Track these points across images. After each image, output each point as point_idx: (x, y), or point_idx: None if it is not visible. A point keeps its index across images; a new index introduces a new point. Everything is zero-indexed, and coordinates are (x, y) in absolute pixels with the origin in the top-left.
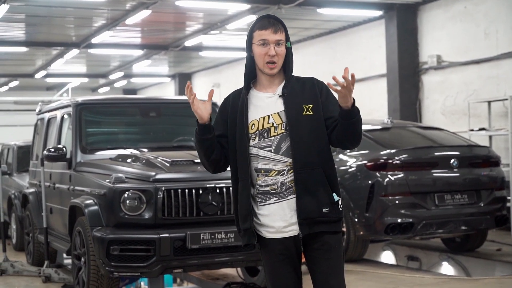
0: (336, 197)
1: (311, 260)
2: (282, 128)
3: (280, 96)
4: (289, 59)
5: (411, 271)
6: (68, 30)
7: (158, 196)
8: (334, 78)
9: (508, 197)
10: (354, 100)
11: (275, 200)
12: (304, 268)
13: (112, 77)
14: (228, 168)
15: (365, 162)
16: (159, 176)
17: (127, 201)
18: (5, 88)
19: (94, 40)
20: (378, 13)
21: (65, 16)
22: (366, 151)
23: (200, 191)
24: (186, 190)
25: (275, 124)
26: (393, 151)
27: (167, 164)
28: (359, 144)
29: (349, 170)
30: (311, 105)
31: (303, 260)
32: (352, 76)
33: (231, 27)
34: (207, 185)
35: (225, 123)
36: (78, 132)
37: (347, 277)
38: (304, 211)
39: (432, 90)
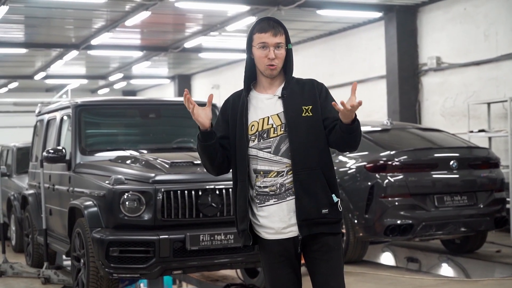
0: (335, 198)
1: (311, 261)
2: (282, 129)
3: (279, 98)
4: (290, 61)
5: (410, 272)
6: (67, 32)
7: (158, 198)
8: (342, 103)
9: (508, 199)
10: (355, 115)
11: (274, 201)
12: (303, 269)
13: (112, 78)
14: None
15: (364, 163)
16: (158, 178)
17: (127, 203)
18: (4, 89)
19: (93, 42)
20: (378, 14)
21: (65, 17)
22: (366, 153)
23: (200, 193)
24: (186, 192)
25: (274, 125)
26: (392, 152)
27: (167, 166)
28: (356, 149)
29: (349, 171)
30: (310, 106)
31: (303, 261)
32: (359, 102)
33: (230, 29)
34: (207, 187)
35: (226, 124)
36: (78, 133)
37: (346, 279)
38: (304, 212)
39: (432, 91)
